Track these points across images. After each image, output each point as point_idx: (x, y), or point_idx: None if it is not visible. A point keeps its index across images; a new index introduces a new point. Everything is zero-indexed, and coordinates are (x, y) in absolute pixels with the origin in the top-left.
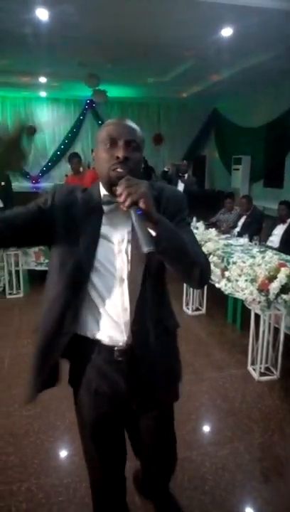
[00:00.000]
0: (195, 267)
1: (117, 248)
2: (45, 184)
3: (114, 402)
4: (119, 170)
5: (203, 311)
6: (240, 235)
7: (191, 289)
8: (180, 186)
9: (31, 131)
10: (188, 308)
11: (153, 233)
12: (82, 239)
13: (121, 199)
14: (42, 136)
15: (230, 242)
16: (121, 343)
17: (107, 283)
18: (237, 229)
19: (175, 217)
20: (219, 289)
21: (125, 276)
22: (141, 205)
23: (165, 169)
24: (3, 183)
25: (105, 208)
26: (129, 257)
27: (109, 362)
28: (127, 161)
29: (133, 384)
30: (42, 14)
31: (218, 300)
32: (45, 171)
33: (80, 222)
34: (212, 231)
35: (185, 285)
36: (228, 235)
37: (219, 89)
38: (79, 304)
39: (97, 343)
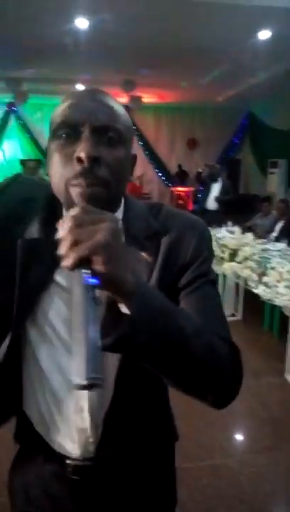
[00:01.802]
0: (207, 378)
1: (80, 307)
2: None
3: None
4: (80, 185)
5: (239, 316)
6: (278, 239)
7: (226, 295)
8: (214, 191)
9: None
10: None
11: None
12: (20, 278)
13: (61, 250)
14: None
15: (267, 247)
16: (74, 455)
17: (58, 360)
18: (274, 234)
19: (187, 269)
20: (255, 294)
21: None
22: (97, 266)
23: (199, 170)
24: None
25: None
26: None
27: (57, 476)
28: (96, 166)
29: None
30: (81, 23)
31: (254, 305)
32: None
33: (22, 258)
34: (249, 235)
35: (220, 290)
36: (265, 240)
37: (255, 92)
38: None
39: (43, 442)
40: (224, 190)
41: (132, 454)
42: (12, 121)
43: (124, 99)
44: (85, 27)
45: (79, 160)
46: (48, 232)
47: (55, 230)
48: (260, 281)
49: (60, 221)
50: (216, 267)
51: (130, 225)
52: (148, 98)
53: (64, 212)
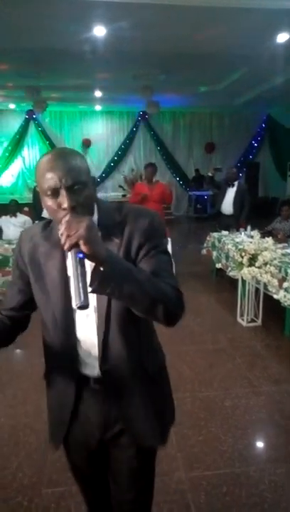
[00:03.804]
0: (157, 306)
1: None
2: (100, 194)
3: (88, 430)
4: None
5: (259, 322)
6: None
7: (246, 299)
8: (230, 195)
9: (87, 143)
10: (242, 320)
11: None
12: (48, 280)
13: (62, 241)
14: (96, 148)
15: (288, 251)
16: (96, 374)
17: (79, 318)
18: None
19: (142, 246)
20: (276, 300)
21: (92, 310)
22: (82, 247)
23: (210, 174)
24: None
25: None
26: None
27: (87, 389)
28: (75, 209)
29: (108, 415)
30: (99, 31)
31: (275, 311)
32: (99, 182)
33: (44, 263)
34: (269, 240)
35: (239, 295)
36: (285, 244)
37: (273, 95)
38: (73, 351)
39: (75, 373)
40: (239, 191)
41: (129, 379)
42: (32, 129)
43: (141, 104)
44: (103, 34)
45: (64, 208)
46: (52, 237)
47: (53, 235)
48: (280, 287)
49: (59, 226)
50: (234, 272)
51: (102, 219)
52: (165, 103)
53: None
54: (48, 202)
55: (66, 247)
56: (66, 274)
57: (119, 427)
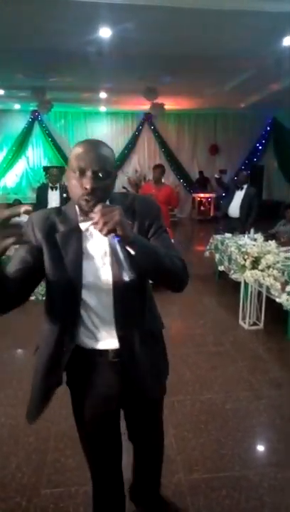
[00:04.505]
0: (171, 275)
1: (101, 262)
2: None
3: (109, 401)
4: (86, 201)
5: (261, 325)
6: None
7: (248, 303)
8: (237, 198)
9: None
10: (244, 323)
11: (131, 251)
12: (66, 261)
13: (98, 228)
14: None
15: None
16: (115, 347)
17: (96, 296)
18: None
19: (151, 226)
20: (278, 303)
21: (110, 287)
22: (118, 232)
23: (216, 176)
24: (64, 195)
25: (83, 226)
26: (111, 269)
27: (104, 363)
28: (95, 192)
29: (126, 383)
30: (105, 33)
31: (278, 315)
32: None
33: (62, 245)
34: (272, 243)
35: (241, 298)
36: (289, 248)
37: (279, 98)
38: (76, 321)
39: (93, 350)
40: (247, 195)
41: (139, 342)
42: (36, 129)
43: (146, 106)
44: (108, 36)
45: (86, 189)
46: (68, 222)
47: (75, 221)
48: (283, 290)
49: (93, 211)
50: (237, 275)
51: (113, 204)
52: (170, 105)
53: (77, 210)
54: (73, 179)
55: (104, 232)
56: (82, 256)
57: (133, 389)
